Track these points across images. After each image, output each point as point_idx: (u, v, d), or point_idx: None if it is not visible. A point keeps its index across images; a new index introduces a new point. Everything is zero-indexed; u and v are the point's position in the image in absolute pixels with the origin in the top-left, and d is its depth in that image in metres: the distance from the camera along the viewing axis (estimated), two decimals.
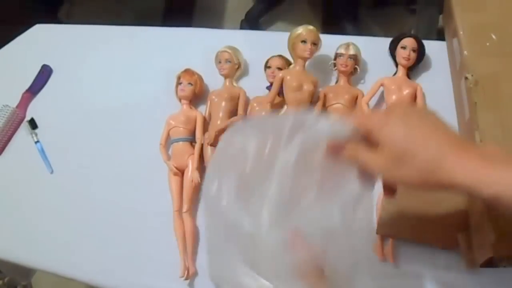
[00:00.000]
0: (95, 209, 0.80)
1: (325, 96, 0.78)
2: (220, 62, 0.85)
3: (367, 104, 0.77)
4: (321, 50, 0.81)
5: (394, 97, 0.75)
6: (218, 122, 0.80)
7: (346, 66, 0.79)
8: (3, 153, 0.91)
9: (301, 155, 0.46)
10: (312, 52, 0.78)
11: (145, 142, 0.83)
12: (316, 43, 0.79)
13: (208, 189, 0.49)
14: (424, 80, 0.80)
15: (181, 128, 0.80)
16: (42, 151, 0.88)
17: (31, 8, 1.60)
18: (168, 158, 0.80)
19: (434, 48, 0.82)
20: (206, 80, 0.87)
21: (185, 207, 0.75)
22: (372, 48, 0.83)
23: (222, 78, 0.85)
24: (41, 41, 1.05)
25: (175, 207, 0.75)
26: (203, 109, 0.85)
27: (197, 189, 0.76)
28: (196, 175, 0.75)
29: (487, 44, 0.71)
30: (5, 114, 0.91)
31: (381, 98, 0.79)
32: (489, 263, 0.57)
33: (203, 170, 0.77)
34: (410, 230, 0.65)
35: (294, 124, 0.46)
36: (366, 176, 0.47)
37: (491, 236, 0.55)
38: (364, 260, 0.47)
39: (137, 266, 0.74)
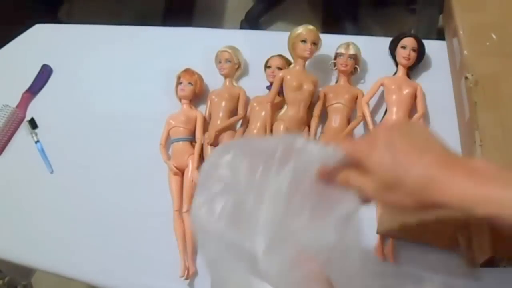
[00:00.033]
0: (95, 209, 0.80)
1: (325, 95, 0.78)
2: (220, 61, 0.84)
3: (367, 103, 0.77)
4: (321, 50, 0.81)
5: (394, 96, 0.75)
6: (218, 122, 0.80)
7: (346, 65, 0.79)
8: (3, 153, 0.91)
9: (292, 181, 0.46)
10: (312, 52, 0.78)
11: (145, 142, 0.83)
12: (316, 43, 0.79)
13: (199, 213, 0.49)
14: (424, 80, 0.80)
15: (181, 128, 0.80)
16: (42, 151, 0.88)
17: (31, 8, 1.60)
18: (168, 158, 0.80)
19: (434, 48, 0.82)
20: (206, 80, 0.87)
21: (185, 207, 0.75)
22: (372, 48, 0.83)
23: (222, 78, 0.85)
24: (41, 41, 1.05)
25: (175, 207, 0.75)
26: (203, 109, 0.85)
27: None
28: (196, 175, 0.75)
29: (487, 44, 0.70)
30: (5, 114, 0.91)
31: (381, 97, 0.79)
32: (489, 263, 0.57)
33: None
34: (410, 230, 0.65)
35: (285, 149, 0.47)
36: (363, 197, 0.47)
37: (491, 236, 0.55)
38: (359, 272, 0.47)
39: (137, 266, 0.74)
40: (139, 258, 0.74)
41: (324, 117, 0.78)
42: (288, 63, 0.82)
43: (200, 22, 1.90)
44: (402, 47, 0.78)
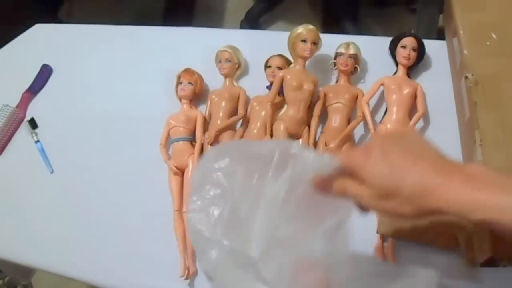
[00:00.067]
0: (95, 209, 0.80)
1: (325, 95, 0.78)
2: (220, 61, 0.84)
3: (367, 103, 0.77)
4: (321, 50, 0.81)
5: (394, 96, 0.75)
6: (218, 122, 0.80)
7: (346, 65, 0.79)
8: (3, 153, 0.91)
9: (288, 189, 0.46)
10: (312, 52, 0.78)
11: (145, 142, 0.83)
12: (316, 43, 0.79)
13: (196, 220, 0.49)
14: (424, 80, 0.79)
15: (181, 128, 0.80)
16: (42, 151, 0.88)
17: (31, 8, 1.60)
18: (168, 157, 0.80)
19: (434, 48, 0.82)
20: (206, 80, 0.87)
21: (185, 207, 0.75)
22: (372, 48, 0.83)
23: (222, 78, 0.85)
24: (41, 41, 1.05)
25: (175, 207, 0.75)
26: (203, 109, 0.85)
27: None
28: None
29: (487, 43, 0.70)
30: (5, 114, 0.91)
31: (381, 97, 0.79)
32: (489, 263, 0.57)
33: None
34: (410, 230, 0.65)
35: (281, 156, 0.47)
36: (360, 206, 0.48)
37: (491, 236, 0.55)
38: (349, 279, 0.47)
39: (137, 266, 0.74)
40: (139, 258, 0.74)
41: (324, 117, 0.78)
42: (288, 62, 0.82)
43: (200, 22, 1.90)
44: (402, 46, 0.78)
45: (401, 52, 0.78)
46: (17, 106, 0.94)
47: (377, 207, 0.44)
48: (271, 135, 0.76)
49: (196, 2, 2.00)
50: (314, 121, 0.77)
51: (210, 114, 0.82)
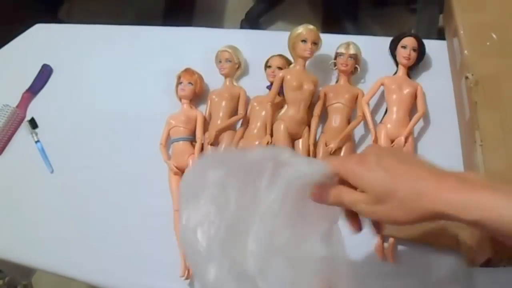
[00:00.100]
0: (95, 209, 0.80)
1: (325, 95, 0.78)
2: (220, 61, 0.84)
3: (368, 103, 0.77)
4: (321, 50, 0.81)
5: (394, 96, 0.75)
6: (219, 122, 0.80)
7: (347, 65, 0.79)
8: (3, 153, 0.91)
9: (282, 199, 0.47)
10: (312, 52, 0.78)
11: (145, 142, 0.83)
12: (316, 43, 0.78)
13: (191, 236, 0.48)
14: (424, 80, 0.79)
15: (182, 128, 0.80)
16: (42, 151, 0.88)
17: (31, 8, 1.60)
18: (169, 157, 0.80)
19: (434, 48, 0.82)
20: (206, 80, 0.87)
21: None
22: (373, 48, 0.83)
23: (222, 78, 0.85)
24: (41, 41, 1.05)
25: (175, 207, 0.75)
26: (203, 109, 0.85)
27: None
28: None
29: (488, 43, 0.70)
30: (5, 114, 0.91)
31: (382, 97, 0.79)
32: (489, 263, 0.57)
33: None
34: (410, 230, 0.65)
35: (273, 163, 0.47)
36: (353, 215, 0.48)
37: (491, 236, 0.55)
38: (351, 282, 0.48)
39: (137, 266, 0.74)
40: (139, 258, 0.74)
41: (324, 116, 0.78)
42: (289, 63, 0.81)
43: (200, 22, 1.90)
44: (402, 46, 0.78)
45: (401, 52, 0.78)
46: (17, 106, 0.94)
47: (371, 213, 0.44)
48: (271, 135, 0.76)
49: (196, 2, 2.00)
50: (314, 121, 0.77)
51: (210, 114, 0.82)
